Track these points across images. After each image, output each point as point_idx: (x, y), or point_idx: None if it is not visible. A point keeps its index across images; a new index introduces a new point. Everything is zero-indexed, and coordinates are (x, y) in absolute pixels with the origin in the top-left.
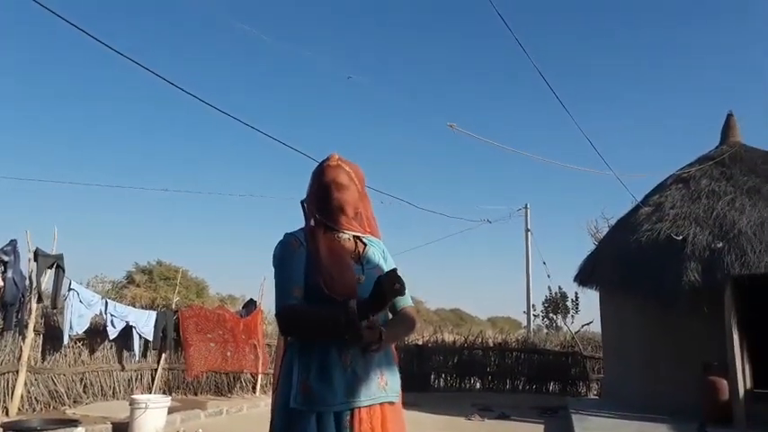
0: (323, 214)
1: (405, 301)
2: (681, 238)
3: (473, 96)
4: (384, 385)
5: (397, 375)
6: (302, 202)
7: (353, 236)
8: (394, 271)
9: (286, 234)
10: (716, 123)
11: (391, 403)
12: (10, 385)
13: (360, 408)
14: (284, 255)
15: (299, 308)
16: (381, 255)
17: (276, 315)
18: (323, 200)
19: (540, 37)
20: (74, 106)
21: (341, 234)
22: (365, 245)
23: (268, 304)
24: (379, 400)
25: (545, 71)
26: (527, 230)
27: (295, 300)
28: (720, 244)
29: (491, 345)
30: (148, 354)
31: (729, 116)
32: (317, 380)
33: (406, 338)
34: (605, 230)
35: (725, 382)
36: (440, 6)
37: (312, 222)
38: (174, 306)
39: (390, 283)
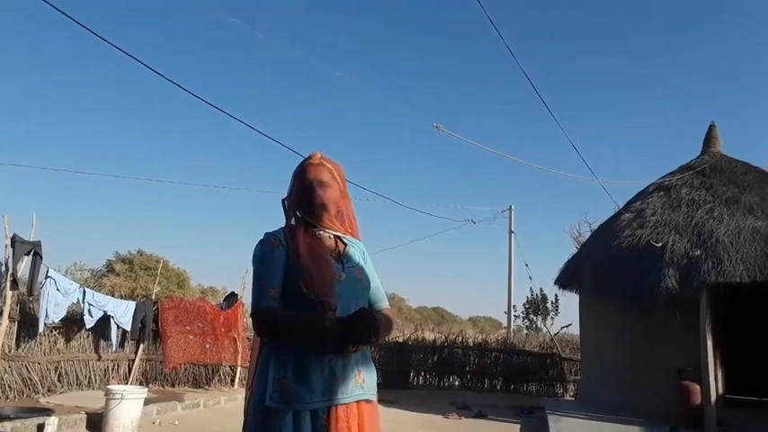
0: (305, 212)
1: (382, 303)
2: (660, 245)
3: (460, 98)
4: (362, 383)
5: (374, 373)
6: (283, 201)
7: (334, 235)
8: (374, 318)
9: (266, 233)
10: (698, 133)
11: (368, 401)
12: None
13: (337, 405)
14: (263, 255)
15: (275, 311)
16: (361, 256)
17: (252, 315)
18: (305, 198)
19: (529, 40)
20: (56, 92)
21: (322, 233)
22: (345, 244)
23: (249, 297)
24: (356, 397)
25: (532, 75)
26: (511, 232)
27: (272, 301)
28: (698, 252)
29: (471, 344)
30: (126, 344)
31: (711, 127)
32: (294, 378)
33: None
34: (587, 234)
35: (698, 386)
36: (427, 6)
37: (293, 221)
38: (153, 297)
39: (365, 330)
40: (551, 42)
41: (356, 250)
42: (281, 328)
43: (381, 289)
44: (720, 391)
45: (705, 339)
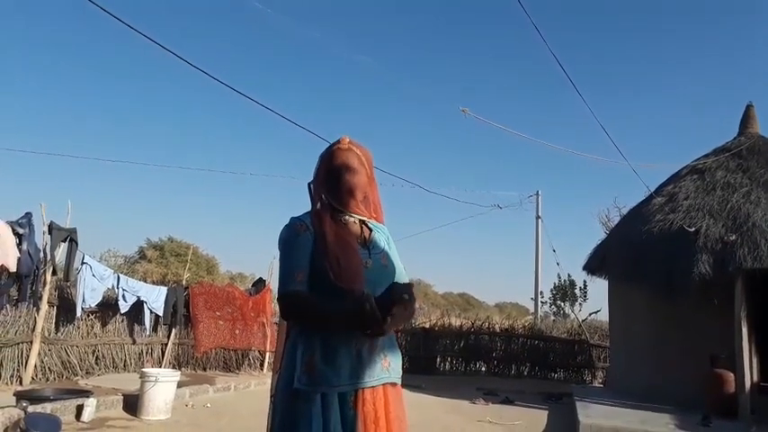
0: (332, 197)
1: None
2: (693, 229)
3: (487, 81)
4: (387, 366)
5: (399, 357)
6: (309, 185)
7: (360, 220)
8: (407, 285)
9: (292, 218)
10: (735, 114)
11: (393, 384)
12: (24, 355)
13: (364, 388)
14: (289, 239)
15: (303, 295)
16: (386, 241)
17: (278, 299)
18: (332, 183)
19: (557, 22)
20: (91, 82)
21: (347, 218)
22: (371, 230)
23: (277, 283)
24: (382, 380)
25: (561, 57)
26: (537, 217)
27: (299, 285)
28: (734, 237)
29: (498, 330)
30: (159, 329)
31: (749, 107)
32: (322, 361)
33: (413, 322)
34: (617, 219)
35: (731, 374)
36: None
37: (318, 206)
38: (184, 282)
39: (399, 294)
40: (581, 23)
41: (381, 236)
42: (309, 312)
43: (405, 274)
44: (755, 378)
45: (740, 326)
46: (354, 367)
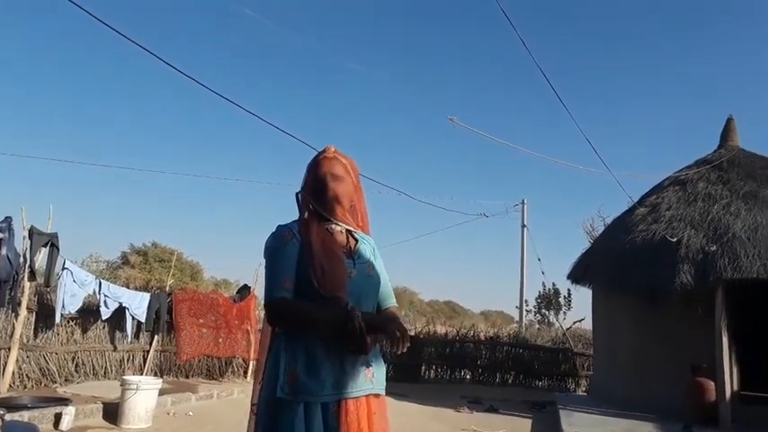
0: (319, 205)
1: (390, 300)
2: (675, 240)
3: (473, 90)
4: (371, 377)
5: (383, 368)
6: (297, 194)
7: (346, 230)
8: (404, 329)
9: (279, 226)
10: (716, 126)
11: (377, 395)
12: (1, 362)
13: (347, 399)
14: (276, 246)
15: (290, 302)
16: (372, 252)
17: (265, 305)
18: (319, 191)
19: (541, 32)
20: (73, 84)
21: (334, 226)
22: (357, 240)
23: (262, 290)
24: (365, 391)
25: (545, 67)
26: (523, 226)
27: (285, 292)
28: (714, 247)
29: (483, 338)
30: (141, 335)
31: (729, 120)
32: (305, 371)
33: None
34: (601, 229)
35: (712, 383)
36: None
37: (306, 215)
38: (168, 288)
39: (397, 334)
40: (565, 35)
41: (367, 246)
42: (295, 319)
43: (390, 286)
44: (735, 387)
45: (720, 335)
46: (337, 378)
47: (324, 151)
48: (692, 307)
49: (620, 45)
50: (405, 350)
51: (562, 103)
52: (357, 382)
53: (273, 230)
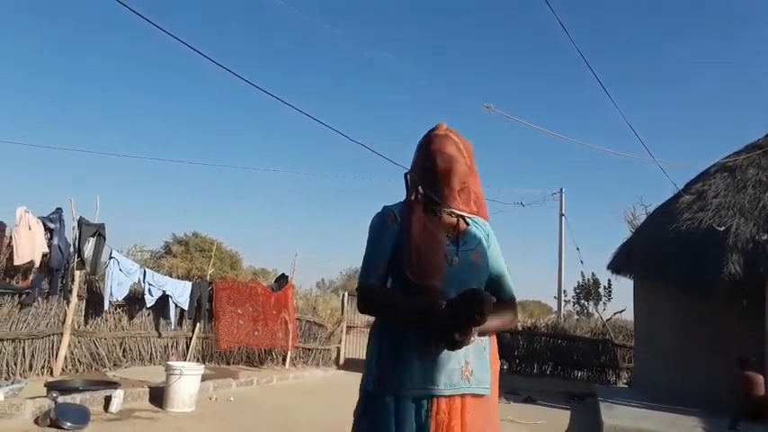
0: (426, 186)
1: (504, 294)
2: (723, 228)
3: (511, 77)
4: (468, 375)
5: (488, 366)
6: (405, 175)
7: (457, 214)
8: (480, 297)
9: (384, 207)
10: (766, 111)
11: (476, 395)
12: (54, 347)
13: (439, 397)
14: (377, 228)
15: (378, 290)
16: (485, 237)
17: (357, 292)
18: (427, 170)
19: (583, 16)
20: (119, 80)
21: (443, 210)
22: (467, 224)
23: (299, 279)
24: (460, 390)
25: (586, 52)
26: (561, 215)
27: (378, 278)
28: (765, 237)
29: (520, 328)
30: (184, 323)
31: None
32: (394, 364)
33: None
34: (643, 218)
35: (761, 377)
36: None
37: (413, 197)
38: (208, 277)
39: (469, 311)
40: (607, 18)
41: (479, 231)
42: (381, 308)
43: (507, 278)
44: None
45: None
46: (428, 372)
47: (435, 128)
48: (740, 299)
49: (665, 29)
50: (478, 319)
51: (603, 88)
52: (451, 380)
53: (379, 210)
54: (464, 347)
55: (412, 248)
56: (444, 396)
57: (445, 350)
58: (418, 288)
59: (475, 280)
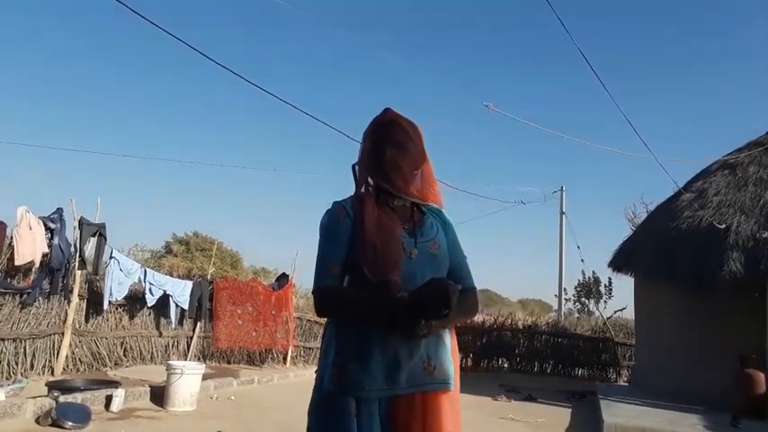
0: (377, 176)
1: (467, 282)
2: (724, 226)
3: (511, 76)
4: (431, 371)
5: (450, 361)
6: (353, 166)
7: (411, 203)
8: (446, 290)
9: (334, 202)
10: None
11: (438, 392)
12: (56, 346)
13: (400, 395)
14: (329, 226)
15: (335, 290)
16: (442, 226)
17: (313, 293)
18: (377, 161)
19: (583, 15)
20: (119, 79)
21: (396, 201)
22: (423, 213)
23: (300, 278)
24: (422, 387)
25: (587, 50)
26: (562, 213)
27: (333, 278)
28: (766, 234)
29: (520, 327)
30: (184, 322)
31: None
32: (354, 363)
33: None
34: (643, 216)
35: (762, 375)
36: None
37: (363, 189)
38: (209, 277)
39: (434, 302)
40: (608, 16)
41: (436, 220)
42: (341, 309)
43: (466, 265)
44: None
45: None
46: (390, 371)
47: (382, 115)
48: (741, 296)
49: (662, 26)
50: (445, 312)
51: (603, 86)
52: (414, 377)
53: (329, 207)
54: (426, 342)
55: (367, 243)
56: (406, 394)
57: (407, 346)
58: (377, 284)
59: (436, 272)
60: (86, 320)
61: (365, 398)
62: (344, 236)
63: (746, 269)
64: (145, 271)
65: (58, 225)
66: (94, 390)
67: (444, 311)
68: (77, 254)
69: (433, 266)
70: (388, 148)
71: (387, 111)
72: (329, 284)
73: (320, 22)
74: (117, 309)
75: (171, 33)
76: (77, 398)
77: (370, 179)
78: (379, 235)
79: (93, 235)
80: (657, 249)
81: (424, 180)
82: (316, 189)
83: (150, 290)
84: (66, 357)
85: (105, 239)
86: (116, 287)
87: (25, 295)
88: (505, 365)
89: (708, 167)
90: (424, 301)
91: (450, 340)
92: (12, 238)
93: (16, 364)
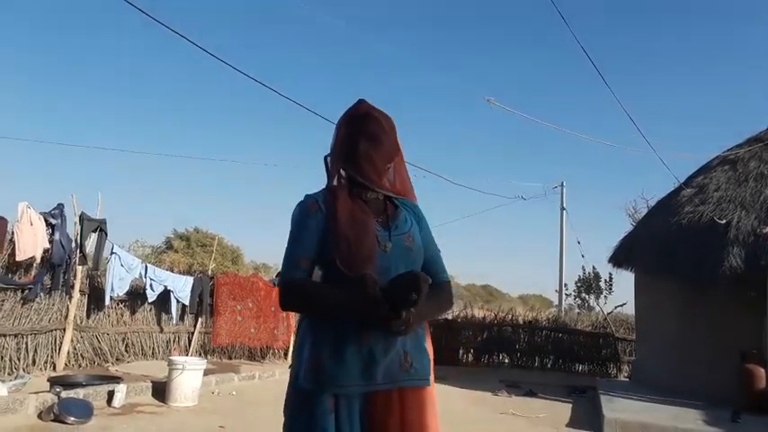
0: (350, 168)
1: (439, 275)
2: (724, 221)
3: (512, 71)
4: (408, 366)
5: (427, 356)
6: (325, 158)
7: (384, 196)
8: (416, 276)
9: (306, 195)
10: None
11: (415, 387)
12: (57, 342)
13: (377, 392)
14: (299, 220)
15: (302, 284)
16: (415, 220)
17: (278, 286)
18: (350, 153)
19: (582, 9)
20: (119, 76)
21: (369, 194)
22: (396, 207)
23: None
24: (399, 383)
25: (587, 45)
26: (562, 209)
27: (302, 272)
28: (767, 229)
29: (521, 322)
30: (186, 317)
31: None
32: (329, 359)
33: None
34: (644, 211)
35: (762, 370)
36: None
37: (335, 181)
38: (210, 272)
39: (404, 291)
40: (606, 11)
41: (409, 214)
42: (311, 303)
43: (440, 259)
44: None
45: None
46: (366, 366)
47: (356, 106)
48: (741, 291)
49: (663, 18)
50: (414, 298)
51: (604, 81)
52: (390, 372)
53: (300, 200)
54: (402, 337)
55: (341, 237)
56: (383, 390)
57: (383, 341)
58: (351, 279)
59: (410, 266)
60: (88, 316)
61: (343, 394)
62: (316, 230)
63: (747, 264)
64: (146, 266)
65: (59, 221)
66: (96, 385)
67: (413, 297)
68: (78, 249)
69: (407, 260)
70: (362, 141)
71: (361, 102)
72: (297, 277)
73: (317, 11)
74: (118, 304)
75: (172, 29)
76: (79, 393)
77: (342, 171)
78: (353, 228)
79: (94, 230)
80: (658, 245)
81: (397, 173)
82: (317, 184)
83: (151, 285)
84: (68, 353)
85: (106, 235)
86: (117, 283)
87: (27, 291)
88: (506, 361)
89: (708, 163)
90: (393, 287)
91: (425, 335)
92: (13, 233)
93: (18, 359)
